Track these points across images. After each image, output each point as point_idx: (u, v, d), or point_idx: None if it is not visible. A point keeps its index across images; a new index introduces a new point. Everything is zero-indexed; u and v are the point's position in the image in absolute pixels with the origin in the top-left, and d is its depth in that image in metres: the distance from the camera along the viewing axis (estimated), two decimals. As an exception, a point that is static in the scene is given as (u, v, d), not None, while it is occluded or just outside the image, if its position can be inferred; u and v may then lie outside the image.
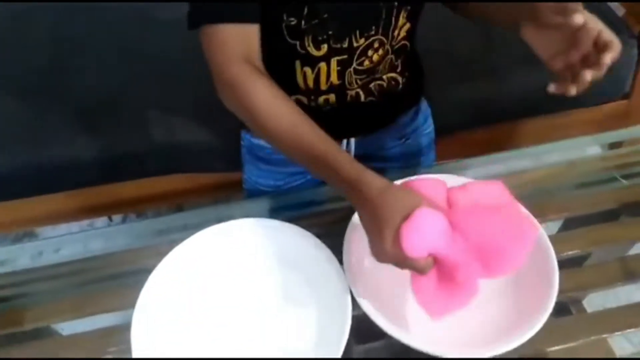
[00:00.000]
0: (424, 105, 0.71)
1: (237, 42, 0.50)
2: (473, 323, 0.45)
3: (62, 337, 0.55)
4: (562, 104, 0.86)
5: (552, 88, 0.47)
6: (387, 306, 0.44)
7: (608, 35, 0.44)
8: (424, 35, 0.64)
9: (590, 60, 0.44)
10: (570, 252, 0.53)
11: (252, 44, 0.51)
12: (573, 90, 0.45)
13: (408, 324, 0.45)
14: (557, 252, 0.46)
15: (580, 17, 0.43)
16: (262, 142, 0.67)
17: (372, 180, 0.41)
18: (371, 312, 0.43)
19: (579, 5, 0.43)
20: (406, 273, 0.41)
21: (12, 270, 0.56)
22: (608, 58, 0.43)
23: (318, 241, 0.48)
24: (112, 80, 0.80)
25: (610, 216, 0.59)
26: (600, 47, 0.44)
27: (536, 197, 0.58)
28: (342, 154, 0.45)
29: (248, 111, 0.49)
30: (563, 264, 0.45)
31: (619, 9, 0.89)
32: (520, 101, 0.84)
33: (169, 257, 0.48)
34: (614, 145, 0.68)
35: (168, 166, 0.72)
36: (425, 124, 0.71)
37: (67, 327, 0.55)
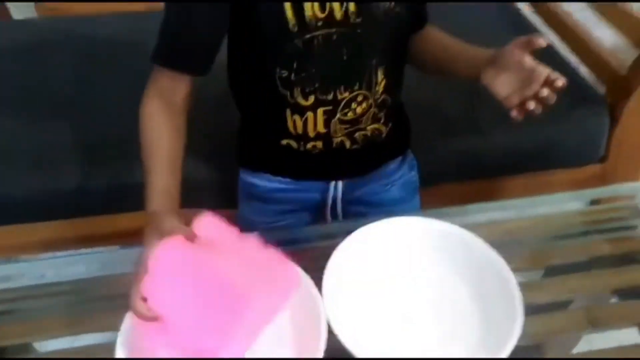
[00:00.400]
0: (411, 156, 0.75)
1: (163, 84, 0.59)
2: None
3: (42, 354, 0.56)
4: (543, 164, 0.91)
5: (513, 113, 0.55)
6: (361, 330, 0.48)
7: (556, 74, 0.53)
8: (413, 91, 0.70)
9: (541, 95, 0.53)
10: (541, 300, 0.55)
11: (178, 89, 0.59)
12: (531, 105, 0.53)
13: (379, 349, 0.47)
14: (529, 299, 0.48)
15: (532, 60, 0.53)
16: (257, 181, 0.70)
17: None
18: (343, 336, 0.45)
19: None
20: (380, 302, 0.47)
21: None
22: (560, 82, 0.52)
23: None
24: (124, 118, 0.84)
25: (583, 267, 0.62)
26: (549, 83, 0.52)
27: (513, 246, 0.61)
28: (157, 193, 0.54)
29: (141, 137, 0.58)
30: (533, 310, 0.48)
31: (598, 86, 0.96)
32: (503, 158, 0.87)
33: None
34: (592, 203, 0.75)
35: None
36: (410, 173, 0.75)
37: (49, 345, 0.55)
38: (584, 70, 1.03)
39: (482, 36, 0.67)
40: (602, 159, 0.94)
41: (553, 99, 0.53)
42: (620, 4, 0.94)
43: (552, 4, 1.10)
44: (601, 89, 0.96)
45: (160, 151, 0.57)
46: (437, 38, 0.69)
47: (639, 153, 0.93)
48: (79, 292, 0.57)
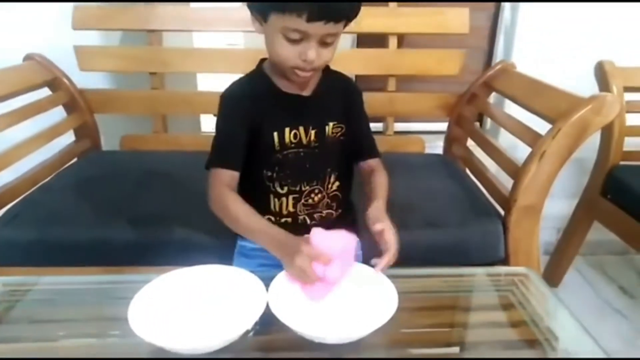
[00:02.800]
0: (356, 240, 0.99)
1: (224, 179, 0.82)
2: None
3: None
4: (457, 260, 1.06)
5: (373, 261, 0.77)
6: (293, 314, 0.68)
7: (390, 246, 0.77)
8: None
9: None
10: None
11: (233, 181, 0.83)
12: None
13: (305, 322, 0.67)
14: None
15: (380, 226, 0.78)
16: (245, 244, 0.92)
17: (290, 236, 0.74)
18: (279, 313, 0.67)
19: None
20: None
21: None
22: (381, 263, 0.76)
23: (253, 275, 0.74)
24: (162, 206, 1.15)
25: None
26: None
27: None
28: (278, 232, 0.77)
29: (226, 214, 0.80)
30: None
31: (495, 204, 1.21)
32: (424, 252, 1.05)
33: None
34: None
35: (172, 258, 0.94)
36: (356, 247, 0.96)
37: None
38: (486, 193, 1.25)
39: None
40: (505, 261, 1.09)
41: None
42: (494, 143, 1.25)
43: (467, 155, 1.45)
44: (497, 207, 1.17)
45: (254, 216, 0.79)
46: (368, 176, 0.92)
47: (531, 256, 1.09)
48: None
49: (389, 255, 0.76)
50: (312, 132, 0.85)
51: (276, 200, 0.89)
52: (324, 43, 0.75)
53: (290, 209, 0.89)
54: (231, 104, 0.85)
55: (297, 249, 0.71)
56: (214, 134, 0.86)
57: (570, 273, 1.69)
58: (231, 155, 0.84)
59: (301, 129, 0.85)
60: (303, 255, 0.70)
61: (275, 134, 0.84)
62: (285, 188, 0.87)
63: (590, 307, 1.60)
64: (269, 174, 0.87)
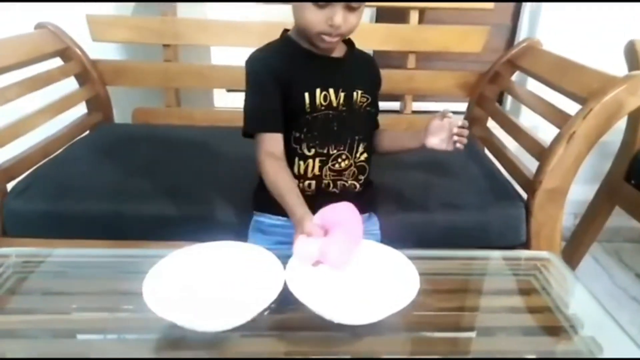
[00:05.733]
0: (375, 217, 0.97)
1: (267, 144, 0.82)
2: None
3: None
4: (476, 243, 1.04)
5: (450, 147, 0.86)
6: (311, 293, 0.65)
7: (460, 122, 0.83)
8: (383, 176, 0.95)
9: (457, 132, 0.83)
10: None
11: (276, 144, 0.83)
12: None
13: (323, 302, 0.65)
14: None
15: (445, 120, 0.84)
16: (263, 219, 0.91)
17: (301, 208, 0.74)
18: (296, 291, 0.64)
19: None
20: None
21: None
22: (461, 122, 0.83)
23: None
24: (176, 180, 1.13)
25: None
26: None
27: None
28: (297, 202, 0.76)
29: (266, 181, 0.81)
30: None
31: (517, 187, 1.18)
32: (443, 233, 1.04)
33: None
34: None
35: (186, 233, 0.94)
36: (373, 227, 0.95)
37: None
38: (507, 175, 1.22)
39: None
40: (526, 245, 1.08)
41: (464, 133, 0.84)
42: (518, 124, 1.21)
43: (487, 136, 1.40)
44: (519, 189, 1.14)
45: (294, 189, 0.79)
46: (386, 132, 0.96)
47: (553, 241, 1.07)
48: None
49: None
50: (342, 95, 0.85)
51: (302, 162, 0.87)
52: (350, 8, 0.76)
53: (316, 172, 0.87)
54: (259, 67, 0.84)
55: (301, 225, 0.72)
56: (244, 101, 0.85)
57: (586, 259, 1.65)
58: (270, 119, 0.83)
59: (331, 90, 0.84)
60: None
61: (307, 94, 0.83)
62: (313, 150, 0.86)
63: (606, 294, 1.57)
64: (297, 134, 0.85)
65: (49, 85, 1.28)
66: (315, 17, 0.76)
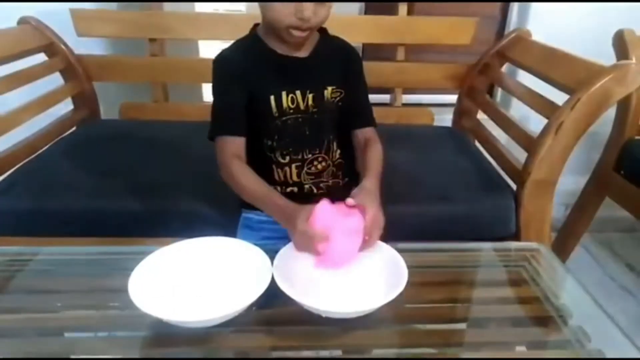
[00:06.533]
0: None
1: (230, 147, 0.80)
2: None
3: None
4: (466, 234, 1.03)
5: None
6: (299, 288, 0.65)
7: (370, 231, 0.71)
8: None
9: None
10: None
11: (240, 147, 0.80)
12: None
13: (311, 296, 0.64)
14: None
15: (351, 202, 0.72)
16: (251, 215, 0.90)
17: (290, 204, 0.72)
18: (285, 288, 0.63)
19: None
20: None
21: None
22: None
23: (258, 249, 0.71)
24: (163, 176, 1.12)
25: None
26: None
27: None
28: (279, 199, 0.75)
29: (234, 183, 0.79)
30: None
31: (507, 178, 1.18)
32: (435, 224, 1.04)
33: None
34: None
35: (174, 229, 0.93)
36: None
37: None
38: (496, 166, 1.22)
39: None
40: (516, 236, 1.07)
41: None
42: (507, 115, 1.21)
43: (477, 127, 1.40)
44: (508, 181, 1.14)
45: (264, 186, 0.78)
46: (361, 149, 0.87)
47: (542, 232, 1.07)
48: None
49: (369, 241, 0.72)
50: (310, 97, 0.83)
51: (279, 170, 0.86)
52: (319, 0, 0.73)
53: (295, 178, 0.86)
54: (224, 68, 0.82)
55: (294, 223, 0.69)
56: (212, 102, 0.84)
57: (577, 250, 1.66)
58: (232, 121, 0.81)
59: (298, 93, 0.82)
60: (299, 233, 0.69)
61: (272, 98, 0.81)
62: (287, 157, 0.85)
63: (597, 284, 1.58)
64: (269, 143, 0.84)
65: (34, 82, 1.26)
66: (284, 10, 0.72)
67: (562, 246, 1.63)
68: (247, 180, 0.78)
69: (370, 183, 0.78)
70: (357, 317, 0.65)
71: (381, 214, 0.73)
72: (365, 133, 0.90)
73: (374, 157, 0.85)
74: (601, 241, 1.81)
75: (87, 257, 0.85)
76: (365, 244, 0.72)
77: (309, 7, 0.72)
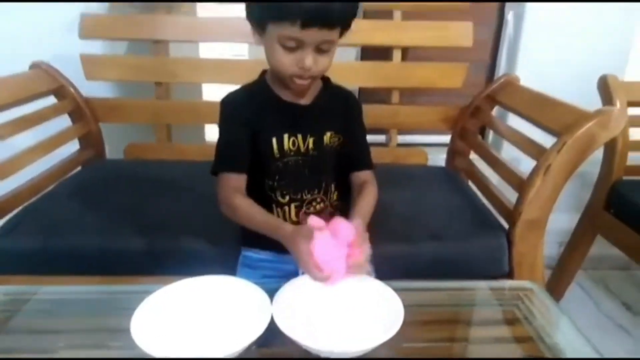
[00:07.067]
0: None
1: (231, 182, 0.84)
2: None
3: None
4: (460, 274, 1.06)
5: None
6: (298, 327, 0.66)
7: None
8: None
9: None
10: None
11: (240, 183, 0.85)
12: None
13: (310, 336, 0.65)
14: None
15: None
16: (250, 254, 0.92)
17: (287, 226, 0.75)
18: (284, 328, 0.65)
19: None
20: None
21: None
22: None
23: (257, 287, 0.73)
24: (166, 215, 1.14)
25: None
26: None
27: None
28: (277, 222, 0.79)
29: (234, 213, 0.82)
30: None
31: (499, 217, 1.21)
32: (429, 264, 1.05)
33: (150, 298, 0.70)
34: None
35: (175, 268, 0.91)
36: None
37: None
38: (489, 206, 1.24)
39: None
40: (509, 274, 1.08)
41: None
42: (498, 156, 1.24)
43: (470, 167, 1.44)
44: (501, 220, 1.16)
45: (263, 214, 0.82)
46: (356, 191, 0.90)
47: (535, 270, 1.08)
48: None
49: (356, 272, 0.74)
50: (310, 140, 0.86)
51: (279, 209, 0.89)
52: (320, 50, 0.76)
53: (294, 217, 0.89)
54: (231, 108, 0.87)
55: (295, 248, 0.73)
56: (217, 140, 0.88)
57: (572, 288, 1.67)
58: (235, 158, 0.85)
59: (299, 136, 0.86)
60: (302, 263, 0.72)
61: (274, 140, 0.84)
62: (287, 197, 0.87)
63: (592, 322, 1.58)
64: (270, 183, 0.87)
65: (43, 123, 1.29)
66: (286, 60, 0.76)
67: (557, 284, 1.64)
68: (250, 208, 0.82)
69: (355, 222, 0.80)
70: (356, 357, 0.65)
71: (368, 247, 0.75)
72: (362, 176, 0.93)
73: (365, 199, 0.88)
74: (596, 279, 1.82)
75: (88, 296, 0.86)
76: (355, 259, 0.73)
77: (309, 57, 0.76)
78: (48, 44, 1.50)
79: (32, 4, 1.48)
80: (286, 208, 0.88)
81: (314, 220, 0.72)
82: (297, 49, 0.75)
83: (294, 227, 0.75)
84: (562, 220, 1.53)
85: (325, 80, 0.91)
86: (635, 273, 1.85)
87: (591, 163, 1.24)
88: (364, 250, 0.74)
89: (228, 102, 0.87)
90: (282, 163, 0.86)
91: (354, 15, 0.78)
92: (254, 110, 0.85)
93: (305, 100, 0.87)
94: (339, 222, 0.73)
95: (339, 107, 0.91)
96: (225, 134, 0.86)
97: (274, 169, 0.86)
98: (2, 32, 1.50)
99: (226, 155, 0.86)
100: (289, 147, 0.85)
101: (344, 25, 0.77)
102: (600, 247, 1.56)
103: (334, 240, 0.72)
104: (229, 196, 0.83)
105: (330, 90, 0.91)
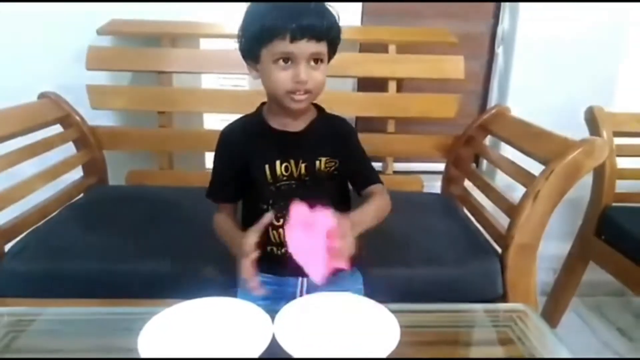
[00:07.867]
0: (358, 273, 0.98)
1: (220, 208, 0.95)
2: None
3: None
4: (455, 297, 1.07)
5: None
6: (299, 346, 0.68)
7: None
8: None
9: None
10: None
11: (227, 209, 0.96)
12: None
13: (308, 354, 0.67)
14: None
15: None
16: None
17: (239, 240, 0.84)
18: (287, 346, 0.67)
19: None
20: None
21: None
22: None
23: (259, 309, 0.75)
24: (167, 239, 1.17)
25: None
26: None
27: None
28: (235, 234, 0.88)
29: (215, 231, 0.93)
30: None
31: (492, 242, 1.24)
32: (425, 286, 1.08)
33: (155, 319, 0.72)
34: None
35: (176, 290, 0.93)
36: (356, 286, 0.96)
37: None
38: (483, 231, 1.27)
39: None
40: (503, 297, 1.11)
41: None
42: (490, 183, 1.29)
43: (464, 194, 1.48)
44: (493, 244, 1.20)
45: (230, 227, 0.92)
46: (365, 198, 0.93)
47: (528, 293, 1.11)
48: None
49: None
50: (303, 166, 0.89)
51: (274, 232, 0.91)
52: (312, 64, 0.82)
53: None
54: (222, 142, 0.94)
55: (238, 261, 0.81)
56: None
57: (567, 314, 1.69)
58: (220, 189, 0.96)
59: (292, 162, 0.89)
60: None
61: (267, 166, 0.89)
62: (282, 220, 0.90)
63: (588, 349, 1.60)
64: (264, 207, 0.91)
65: (49, 151, 1.34)
66: (282, 76, 0.81)
67: (553, 310, 1.65)
68: (223, 223, 0.93)
69: (352, 214, 0.84)
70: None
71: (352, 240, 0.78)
72: (371, 190, 0.96)
73: (366, 202, 0.91)
74: (591, 305, 1.84)
75: (93, 317, 0.88)
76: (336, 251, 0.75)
77: (303, 70, 0.81)
78: (56, 74, 1.56)
79: (44, 38, 1.55)
80: (281, 231, 0.91)
81: (295, 208, 0.77)
82: (290, 66, 0.81)
83: (242, 241, 0.82)
84: (556, 247, 1.56)
85: (320, 109, 0.96)
86: (629, 299, 1.87)
87: (583, 189, 1.29)
88: (347, 242, 0.76)
89: (223, 134, 0.94)
90: (275, 187, 0.89)
91: (338, 29, 0.85)
92: (246, 140, 0.91)
93: (297, 128, 0.91)
94: (317, 212, 0.76)
95: (332, 133, 0.94)
96: (214, 166, 0.95)
97: (268, 194, 0.90)
98: (15, 63, 1.58)
99: (213, 185, 0.96)
100: (281, 173, 0.89)
101: (330, 38, 0.83)
102: (595, 274, 1.59)
103: (310, 231, 0.75)
104: (214, 218, 0.95)
105: (323, 118, 0.95)
